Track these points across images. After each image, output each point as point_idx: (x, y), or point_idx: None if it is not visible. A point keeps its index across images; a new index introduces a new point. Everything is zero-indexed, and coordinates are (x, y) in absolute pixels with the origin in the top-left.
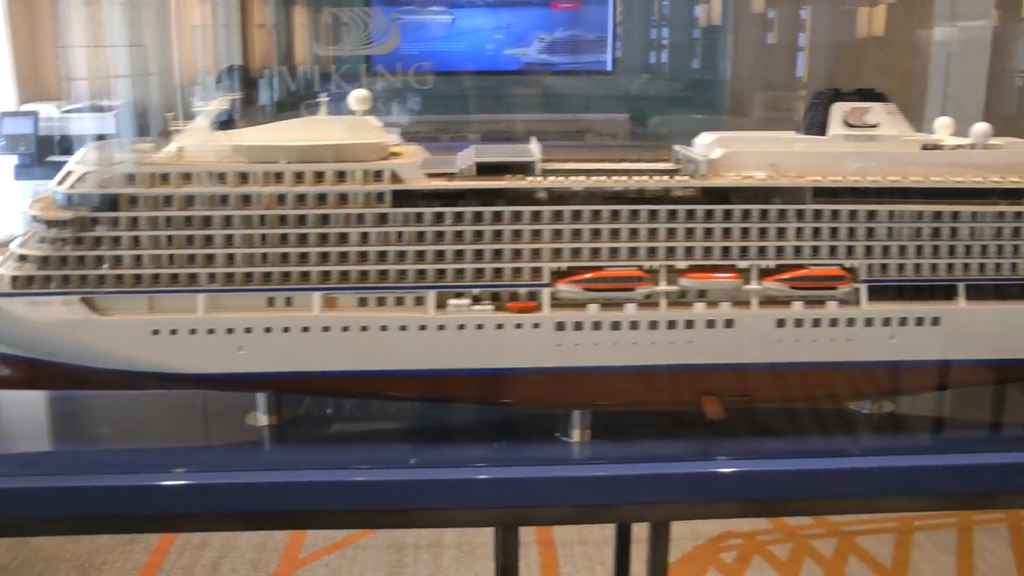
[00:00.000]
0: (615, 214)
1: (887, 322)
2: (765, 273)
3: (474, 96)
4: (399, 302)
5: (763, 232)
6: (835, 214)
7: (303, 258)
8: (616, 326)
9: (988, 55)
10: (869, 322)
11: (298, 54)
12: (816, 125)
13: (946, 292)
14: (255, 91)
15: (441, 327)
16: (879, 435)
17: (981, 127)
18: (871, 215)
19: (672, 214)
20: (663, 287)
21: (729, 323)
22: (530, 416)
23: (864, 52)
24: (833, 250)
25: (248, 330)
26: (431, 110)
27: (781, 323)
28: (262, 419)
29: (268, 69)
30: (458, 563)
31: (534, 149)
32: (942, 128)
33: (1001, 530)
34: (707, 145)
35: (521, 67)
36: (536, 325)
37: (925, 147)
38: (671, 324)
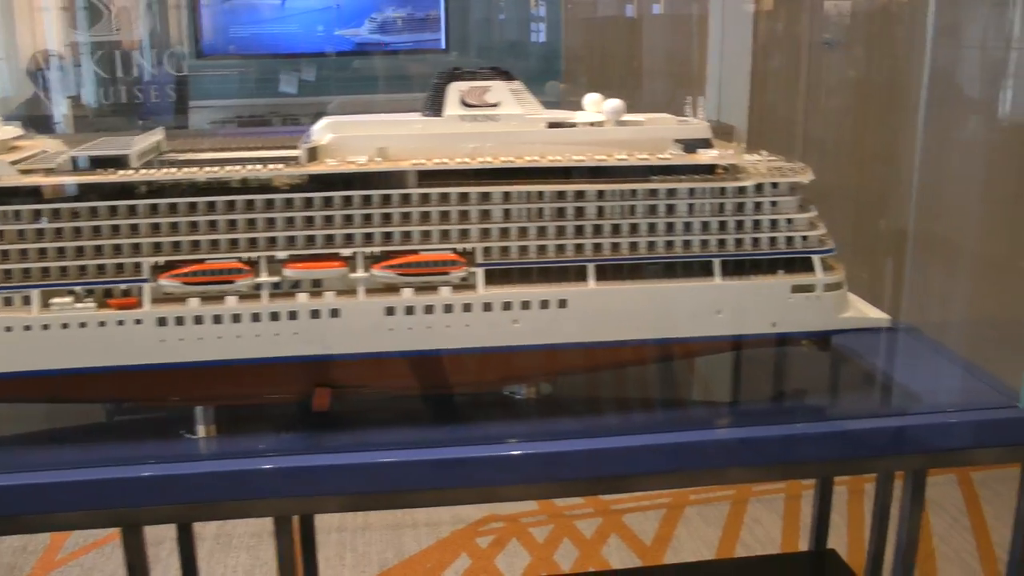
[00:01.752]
0: (211, 206)
1: (507, 306)
2: (373, 261)
3: (307, 79)
4: (7, 302)
5: (367, 219)
6: (444, 197)
7: None
8: (218, 319)
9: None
10: (488, 307)
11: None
12: (435, 106)
13: (580, 273)
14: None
15: (45, 327)
16: (528, 420)
17: (612, 103)
18: (484, 197)
19: (270, 204)
20: (264, 278)
21: (335, 312)
22: (155, 414)
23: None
24: (445, 234)
25: None
26: (264, 94)
27: (390, 311)
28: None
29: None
30: (211, 556)
31: (150, 139)
32: (591, 104)
33: (777, 500)
34: (320, 130)
35: (353, 48)
36: (138, 321)
37: (553, 125)
38: (273, 316)
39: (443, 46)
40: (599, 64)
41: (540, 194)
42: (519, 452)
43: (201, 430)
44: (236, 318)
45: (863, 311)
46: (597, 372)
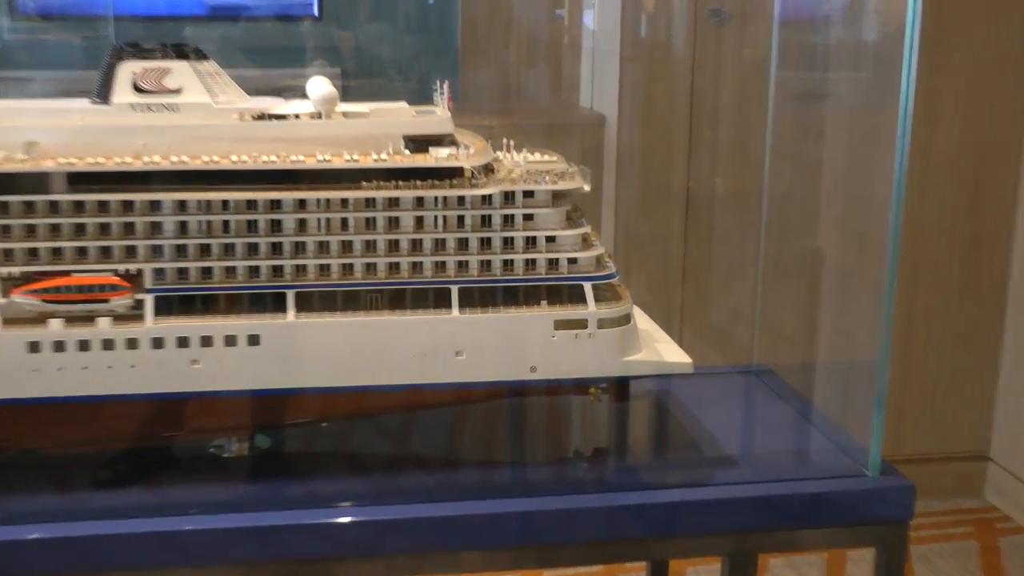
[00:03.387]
0: None
1: (183, 342)
2: (13, 284)
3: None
4: None
5: (5, 231)
6: (102, 206)
7: None
8: None
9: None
10: (158, 343)
11: None
12: (104, 90)
13: (279, 303)
14: None
15: None
16: (231, 483)
17: (320, 90)
18: (153, 206)
19: None
20: None
21: None
22: None
23: None
24: (105, 252)
25: None
26: (89, 64)
27: (34, 347)
28: None
29: None
30: None
31: None
32: (311, 91)
33: None
34: None
35: (206, 11)
36: None
37: (257, 117)
38: None
39: (315, 12)
40: (501, 36)
41: (224, 203)
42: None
43: None
44: None
45: (660, 353)
46: (318, 424)
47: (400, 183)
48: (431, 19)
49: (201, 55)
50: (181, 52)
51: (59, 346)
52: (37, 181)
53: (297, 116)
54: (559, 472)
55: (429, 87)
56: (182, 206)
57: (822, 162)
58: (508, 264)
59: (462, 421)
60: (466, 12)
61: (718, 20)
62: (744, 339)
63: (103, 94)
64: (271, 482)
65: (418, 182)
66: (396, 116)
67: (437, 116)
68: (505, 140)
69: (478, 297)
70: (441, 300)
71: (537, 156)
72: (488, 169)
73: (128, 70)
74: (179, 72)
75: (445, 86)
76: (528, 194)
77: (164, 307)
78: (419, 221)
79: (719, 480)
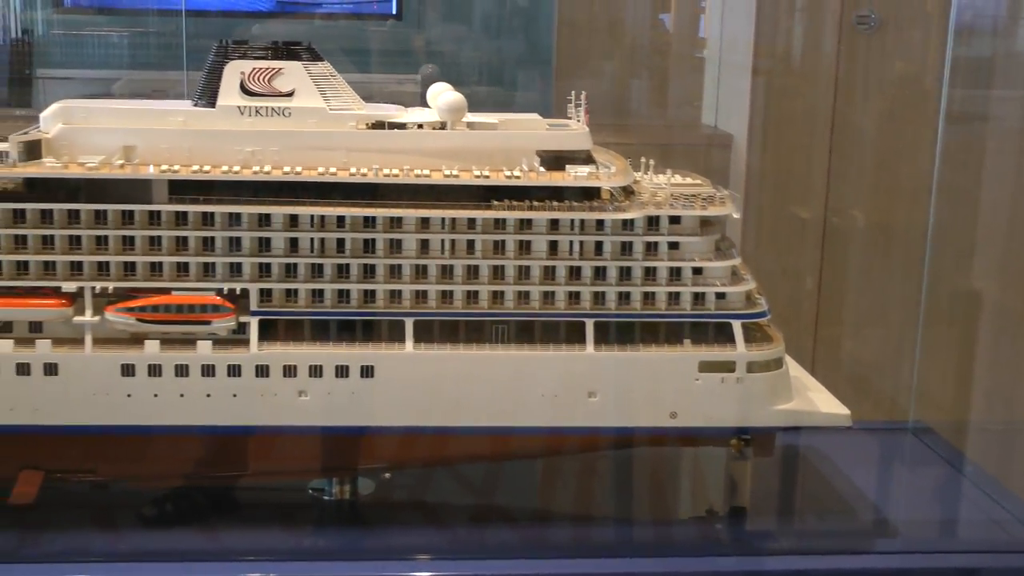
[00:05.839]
0: None
1: (290, 371)
2: (108, 301)
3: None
4: None
5: (100, 242)
6: (206, 219)
7: None
8: None
9: None
10: (263, 371)
11: None
12: (207, 93)
13: (395, 331)
14: None
15: None
16: (335, 529)
17: (449, 99)
18: (262, 220)
19: None
20: None
21: (51, 368)
22: None
23: None
24: (208, 269)
25: None
26: (146, 63)
27: (129, 370)
28: None
29: None
30: None
31: None
32: (433, 99)
33: None
34: (49, 117)
35: (275, 7)
36: None
37: (373, 125)
38: None
39: (393, 11)
40: (601, 42)
41: (340, 220)
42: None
43: None
44: None
45: (814, 403)
46: (430, 468)
47: (535, 203)
48: (523, 21)
49: (315, 55)
50: (293, 51)
51: (155, 370)
52: (136, 189)
53: (420, 126)
54: (697, 532)
55: (520, 96)
56: (294, 221)
57: (983, 193)
58: (649, 297)
59: (589, 470)
60: (563, 15)
61: (867, 27)
62: (886, 390)
63: (207, 95)
64: (376, 531)
65: (555, 203)
66: (528, 129)
67: (574, 131)
68: (643, 159)
69: (614, 333)
70: (573, 334)
71: (678, 178)
72: (627, 191)
73: (236, 70)
74: (291, 73)
75: (582, 97)
76: (674, 220)
77: (269, 332)
78: (552, 246)
79: (875, 548)
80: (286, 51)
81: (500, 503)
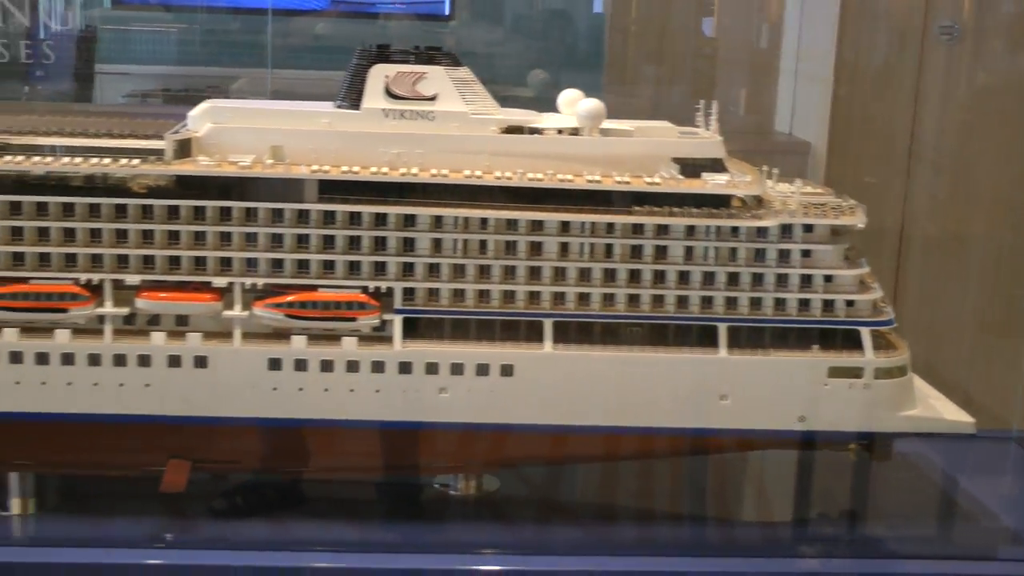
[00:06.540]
0: (41, 208)
1: (432, 368)
2: (256, 296)
3: (261, 43)
4: None
5: (250, 239)
6: (353, 218)
7: None
8: (43, 359)
9: None
10: (406, 367)
11: None
12: (351, 95)
13: (534, 331)
14: None
15: None
16: (459, 524)
17: (588, 105)
18: (407, 221)
19: (121, 210)
20: (109, 309)
21: (201, 361)
22: None
23: None
24: (354, 267)
25: None
26: (194, 59)
27: (275, 364)
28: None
29: None
30: None
31: None
32: (568, 105)
33: None
34: (197, 117)
35: (327, 5)
36: None
37: (510, 131)
38: (119, 359)
39: (445, 11)
40: (654, 46)
41: (483, 221)
42: (438, 567)
43: (15, 505)
44: (67, 359)
45: (937, 410)
46: (557, 466)
47: (673, 210)
48: (573, 24)
49: (454, 60)
50: (434, 56)
51: (300, 365)
52: (288, 188)
53: (560, 131)
54: (820, 535)
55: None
56: (438, 222)
57: None
58: (780, 303)
59: (713, 471)
60: (614, 22)
61: (949, 38)
62: (980, 399)
63: (351, 98)
64: (503, 526)
65: (693, 210)
66: (663, 136)
67: (709, 139)
68: (766, 168)
69: (745, 337)
70: (705, 338)
71: (798, 186)
72: (758, 200)
73: (380, 73)
74: (434, 78)
75: (713, 106)
76: (807, 228)
77: (410, 330)
78: (688, 252)
79: (1001, 555)
80: (428, 56)
81: (621, 502)
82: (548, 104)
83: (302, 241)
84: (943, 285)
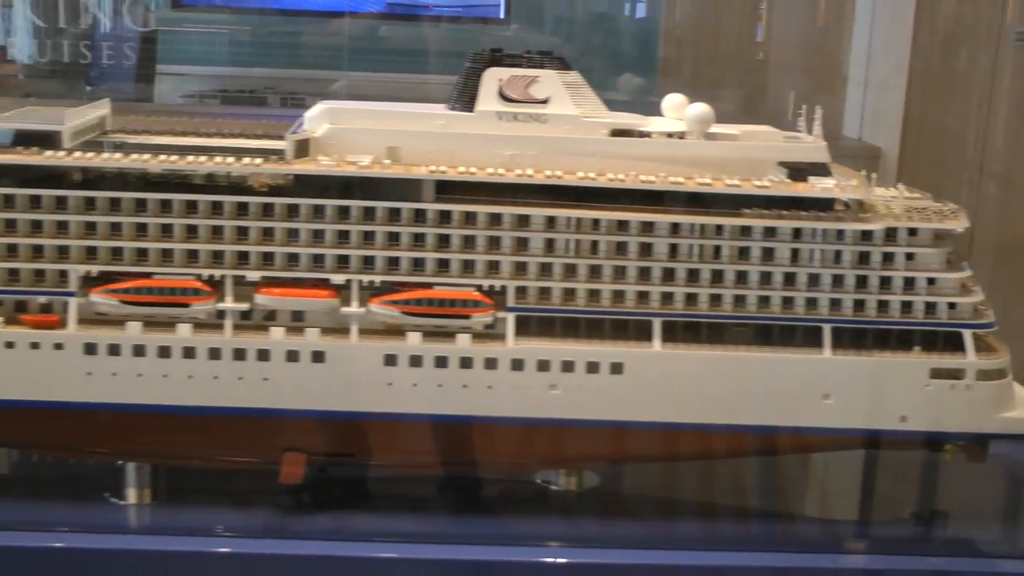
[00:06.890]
0: (165, 205)
1: (544, 366)
2: (372, 293)
3: (320, 46)
4: None
5: (367, 238)
6: (469, 218)
7: None
8: (165, 353)
9: None
10: (518, 364)
11: None
12: (465, 97)
13: (642, 330)
14: None
15: None
16: (567, 520)
17: (697, 109)
18: (521, 221)
19: (242, 208)
20: (229, 304)
21: (318, 356)
22: (73, 469)
23: None
24: (468, 266)
25: None
26: (258, 61)
27: (391, 360)
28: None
29: None
30: None
31: (91, 112)
32: (672, 109)
33: None
34: (314, 118)
35: (384, 8)
36: (58, 346)
37: (618, 133)
38: (239, 354)
39: (501, 15)
40: (708, 52)
41: (595, 222)
42: (549, 560)
43: (132, 495)
44: (189, 353)
45: None
46: (657, 463)
47: (782, 213)
48: (629, 26)
49: (565, 64)
50: (546, 60)
51: (416, 361)
52: (406, 188)
53: (670, 135)
54: (918, 533)
55: (625, 99)
56: (551, 222)
57: None
58: (883, 305)
59: (815, 469)
60: (668, 25)
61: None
62: None
63: (465, 100)
64: (606, 521)
65: (802, 213)
66: (768, 140)
67: (814, 144)
68: (863, 172)
69: (848, 338)
70: (808, 338)
71: (900, 191)
72: (860, 204)
73: (494, 77)
74: (546, 81)
75: (817, 111)
76: (911, 232)
77: (522, 327)
78: (794, 254)
79: None
80: (540, 60)
81: (720, 500)
82: (638, 107)
83: (418, 240)
84: (1016, 292)
